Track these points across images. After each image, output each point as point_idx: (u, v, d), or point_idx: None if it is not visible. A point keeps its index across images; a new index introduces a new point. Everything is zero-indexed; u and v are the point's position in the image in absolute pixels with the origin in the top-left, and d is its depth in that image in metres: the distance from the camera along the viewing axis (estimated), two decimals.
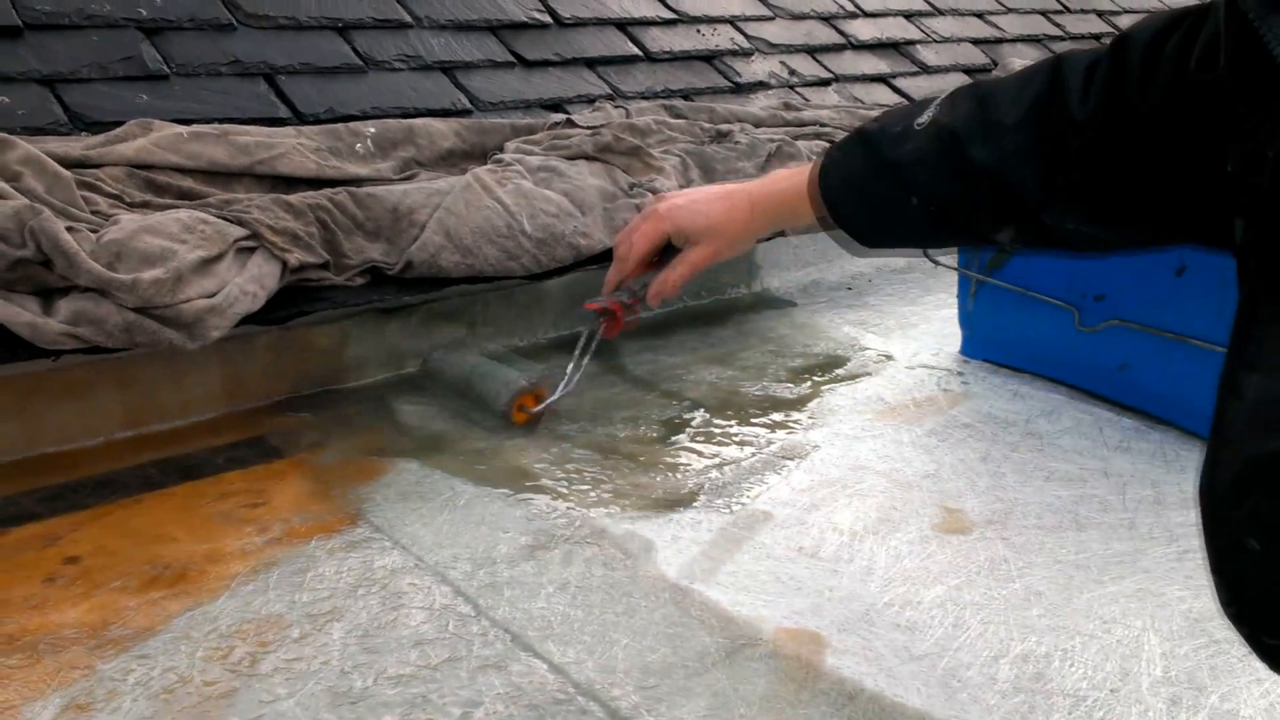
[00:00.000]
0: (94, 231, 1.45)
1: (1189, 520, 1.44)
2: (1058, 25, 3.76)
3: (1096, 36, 3.85)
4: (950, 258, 2.05)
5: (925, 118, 1.00)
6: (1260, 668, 1.14)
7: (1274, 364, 0.58)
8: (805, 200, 1.21)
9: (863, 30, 3.12)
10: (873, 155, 1.05)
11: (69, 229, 1.40)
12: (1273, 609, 0.59)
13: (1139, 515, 1.48)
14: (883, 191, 1.05)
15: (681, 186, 2.03)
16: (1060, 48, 3.62)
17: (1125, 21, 4.04)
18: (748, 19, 2.88)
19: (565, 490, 1.48)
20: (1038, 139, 0.89)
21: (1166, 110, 0.73)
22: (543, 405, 1.64)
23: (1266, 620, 0.60)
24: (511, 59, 2.33)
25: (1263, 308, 0.59)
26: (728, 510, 1.45)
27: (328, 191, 1.70)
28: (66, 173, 1.53)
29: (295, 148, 1.80)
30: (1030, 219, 0.93)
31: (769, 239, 1.72)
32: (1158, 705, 1.11)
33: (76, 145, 1.64)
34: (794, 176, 1.23)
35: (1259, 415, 0.58)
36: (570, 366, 1.60)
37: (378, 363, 1.81)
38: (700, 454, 1.61)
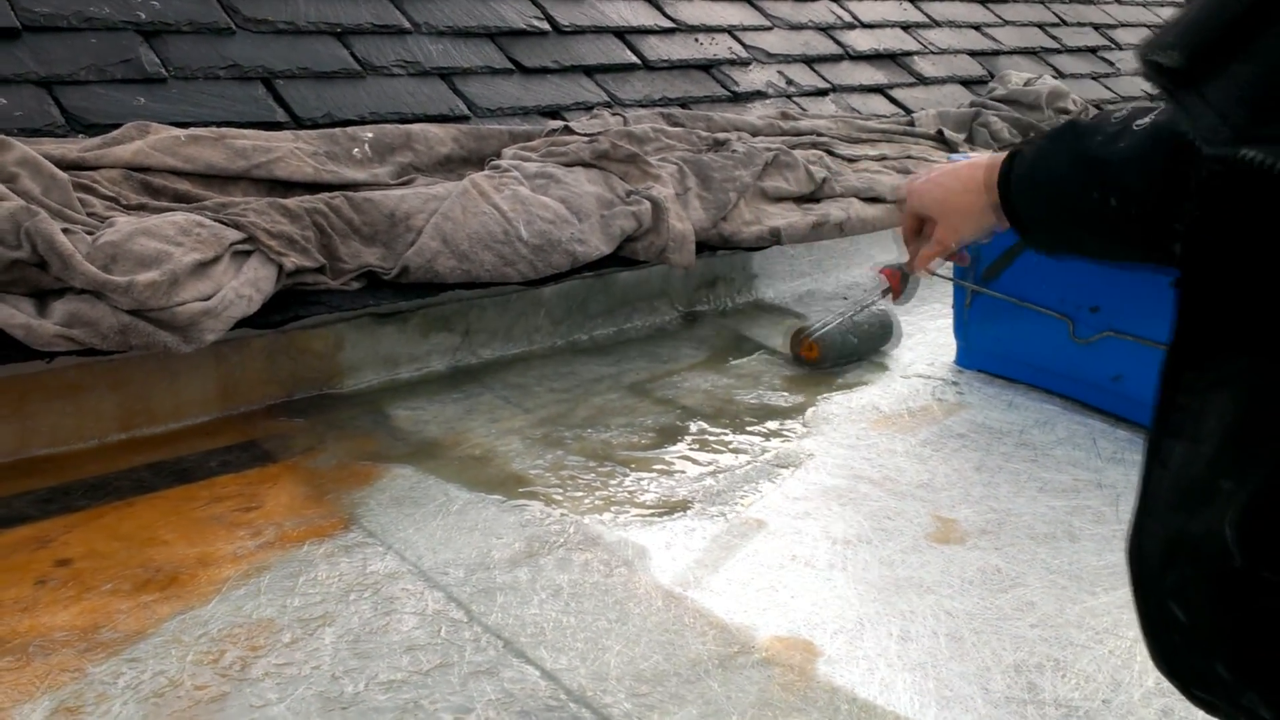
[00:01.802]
0: (90, 233, 1.45)
1: None
2: (1054, 38, 3.77)
3: (1093, 49, 3.86)
4: (945, 268, 2.05)
5: (1147, 120, 0.97)
6: None
7: (1195, 435, 0.57)
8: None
9: (860, 41, 3.13)
10: (1078, 150, 1.02)
11: (65, 231, 1.40)
12: (1200, 673, 0.59)
13: None
14: (1077, 188, 1.01)
15: (679, 195, 2.03)
16: (1057, 61, 3.63)
17: (1122, 35, 4.06)
18: (746, 29, 2.88)
19: (559, 496, 1.48)
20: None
21: None
22: (810, 335, 2.01)
23: (1195, 680, 0.61)
24: (510, 66, 2.33)
25: (1185, 375, 0.58)
26: (721, 518, 1.45)
27: (324, 196, 1.71)
28: (63, 174, 1.53)
29: (293, 152, 1.80)
30: None
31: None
32: (1149, 716, 1.11)
33: (73, 147, 1.64)
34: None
35: (1181, 489, 0.58)
36: (847, 312, 2.01)
37: (373, 368, 1.81)
38: (694, 461, 1.61)
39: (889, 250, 2.60)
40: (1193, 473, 0.57)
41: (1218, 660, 0.57)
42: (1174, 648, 0.60)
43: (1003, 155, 1.16)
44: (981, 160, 1.25)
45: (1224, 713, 0.60)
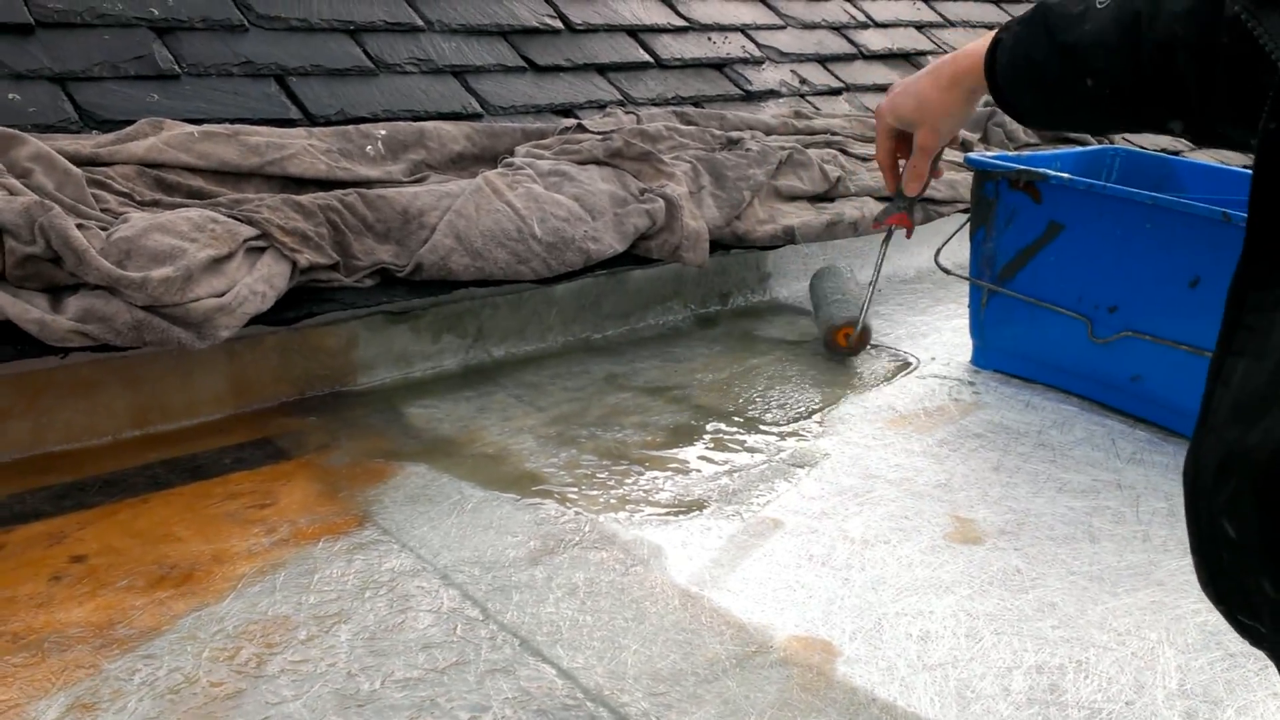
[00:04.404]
0: (104, 229, 1.45)
1: None
2: None
3: None
4: (962, 268, 2.04)
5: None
6: (1277, 682, 1.13)
7: (1259, 352, 0.58)
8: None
9: (873, 40, 3.12)
10: (1049, 36, 1.02)
11: (79, 226, 1.40)
12: (1246, 593, 0.60)
13: (1153, 528, 1.47)
14: (1056, 75, 1.02)
15: (693, 193, 2.02)
16: None
17: None
18: (759, 27, 2.87)
19: (574, 495, 1.47)
20: (1200, 30, 0.86)
21: None
22: (857, 329, 1.99)
23: (1241, 602, 0.61)
24: (522, 64, 2.32)
25: (1252, 294, 0.60)
26: (738, 517, 1.44)
27: (338, 192, 1.70)
28: (77, 170, 1.52)
29: (306, 148, 1.79)
30: (1195, 115, 0.91)
31: None
32: (1173, 718, 1.09)
33: (87, 143, 1.63)
34: (986, 41, 1.18)
35: (1242, 404, 0.59)
36: (870, 284, 1.97)
37: (385, 366, 1.81)
38: (710, 460, 1.60)
39: (904, 249, 2.59)
40: (1252, 387, 0.58)
41: (1265, 576, 0.57)
42: (1222, 567, 0.61)
43: (977, 47, 1.17)
44: (943, 59, 1.26)
45: (1268, 640, 0.60)
